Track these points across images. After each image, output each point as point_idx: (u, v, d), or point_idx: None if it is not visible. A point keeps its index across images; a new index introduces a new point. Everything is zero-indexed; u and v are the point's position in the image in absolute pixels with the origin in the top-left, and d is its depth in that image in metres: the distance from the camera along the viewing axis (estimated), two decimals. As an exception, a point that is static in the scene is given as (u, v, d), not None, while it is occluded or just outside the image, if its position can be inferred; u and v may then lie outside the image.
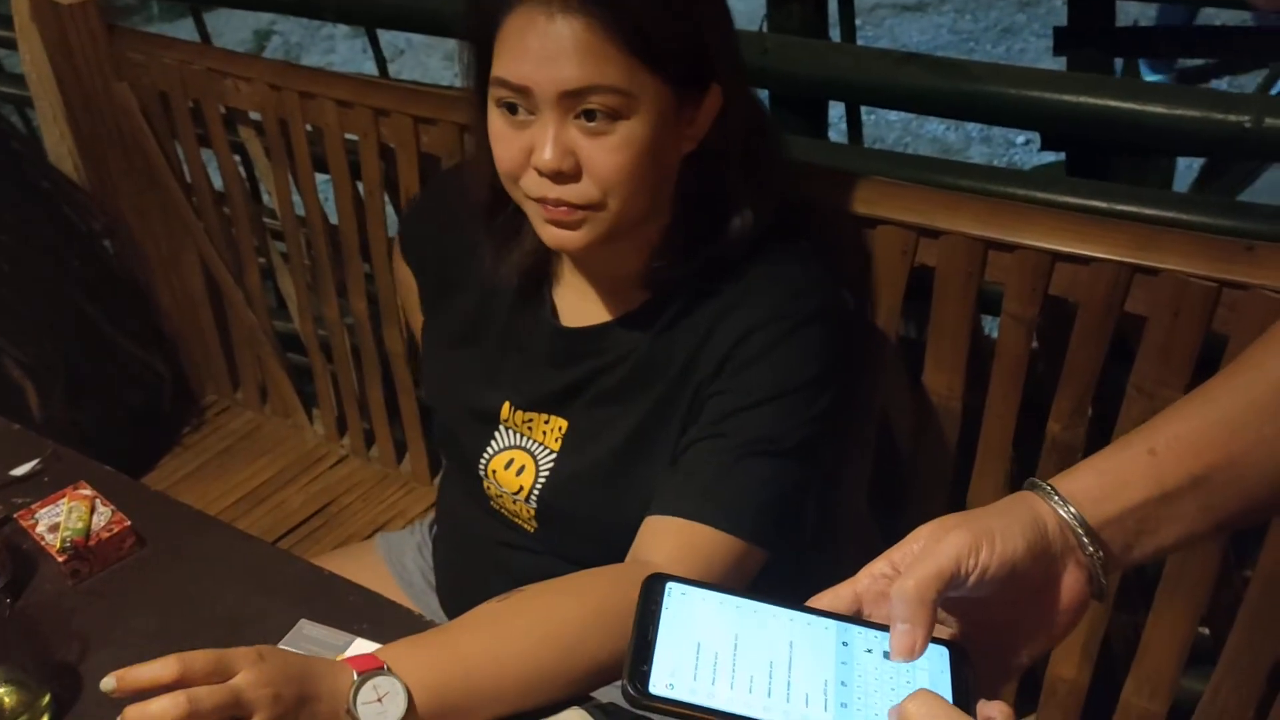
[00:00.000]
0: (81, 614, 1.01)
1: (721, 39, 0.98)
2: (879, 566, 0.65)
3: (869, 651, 0.62)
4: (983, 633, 0.66)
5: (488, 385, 1.14)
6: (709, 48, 0.96)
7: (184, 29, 4.09)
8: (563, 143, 0.91)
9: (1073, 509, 0.65)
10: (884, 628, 0.63)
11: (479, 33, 0.95)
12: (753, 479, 0.97)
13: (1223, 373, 0.69)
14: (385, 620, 0.99)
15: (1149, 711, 1.29)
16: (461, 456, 1.18)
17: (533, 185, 0.95)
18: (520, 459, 1.11)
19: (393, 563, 1.35)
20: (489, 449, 1.14)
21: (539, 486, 1.09)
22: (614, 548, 0.98)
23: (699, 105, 0.97)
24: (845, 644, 0.62)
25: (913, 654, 0.60)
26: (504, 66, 0.91)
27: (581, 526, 1.09)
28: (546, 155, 0.91)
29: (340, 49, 5.65)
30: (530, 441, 1.11)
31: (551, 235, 0.97)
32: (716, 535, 0.95)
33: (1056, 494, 0.65)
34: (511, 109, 0.93)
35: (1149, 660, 1.26)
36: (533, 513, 1.11)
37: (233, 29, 5.74)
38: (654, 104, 0.92)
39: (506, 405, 1.13)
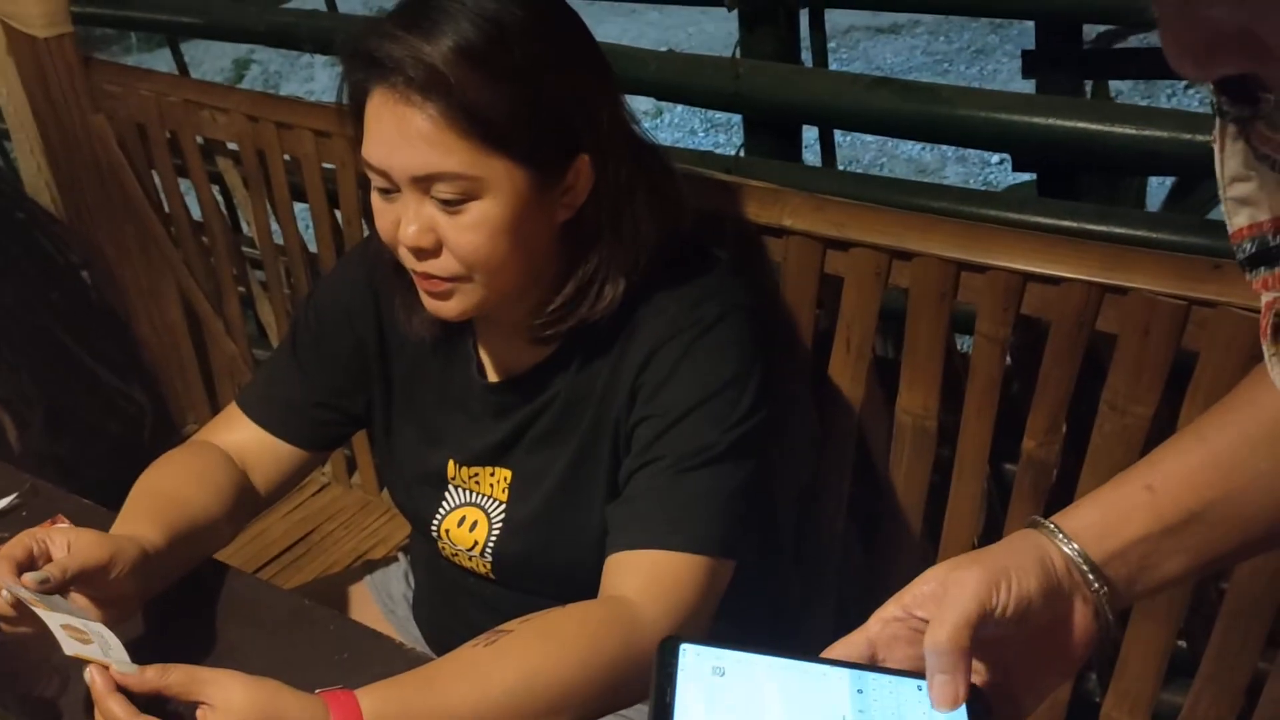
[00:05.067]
0: (60, 649, 1.01)
1: (583, 112, 0.96)
2: (890, 610, 0.65)
3: (884, 698, 0.63)
4: (997, 673, 0.67)
5: (430, 447, 1.15)
6: (566, 124, 0.95)
7: (163, 59, 4.09)
8: (423, 220, 0.94)
9: (1077, 546, 0.66)
10: (899, 673, 0.64)
11: (353, 105, 0.97)
12: (696, 493, 0.98)
13: (1215, 409, 0.70)
14: (367, 649, 0.99)
15: (1129, 726, 1.29)
16: (416, 519, 1.19)
17: (405, 257, 0.98)
18: (472, 515, 1.12)
19: (377, 590, 1.35)
20: (440, 509, 1.15)
21: (492, 539, 1.11)
22: (572, 585, 0.99)
23: (565, 177, 0.96)
24: (860, 691, 0.63)
25: (956, 702, 0.61)
26: (366, 147, 0.95)
27: (536, 571, 1.10)
28: (406, 233, 0.95)
29: (320, 77, 5.66)
30: (479, 496, 1.12)
31: (429, 304, 1.01)
32: (677, 557, 0.95)
33: (1060, 532, 0.66)
34: (381, 186, 0.96)
35: (1128, 674, 1.27)
36: (489, 567, 1.12)
37: (212, 58, 5.75)
38: (507, 184, 0.93)
39: (451, 463, 1.13)
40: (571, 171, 0.96)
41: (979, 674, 0.66)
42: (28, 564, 0.90)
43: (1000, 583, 0.62)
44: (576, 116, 0.96)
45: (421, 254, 0.96)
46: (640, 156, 1.03)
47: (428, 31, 0.90)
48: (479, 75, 0.89)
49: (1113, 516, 0.67)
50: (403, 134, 0.91)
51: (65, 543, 0.92)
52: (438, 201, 0.93)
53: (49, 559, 0.91)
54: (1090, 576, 0.65)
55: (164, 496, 1.06)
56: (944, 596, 0.63)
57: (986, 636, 0.63)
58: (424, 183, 0.92)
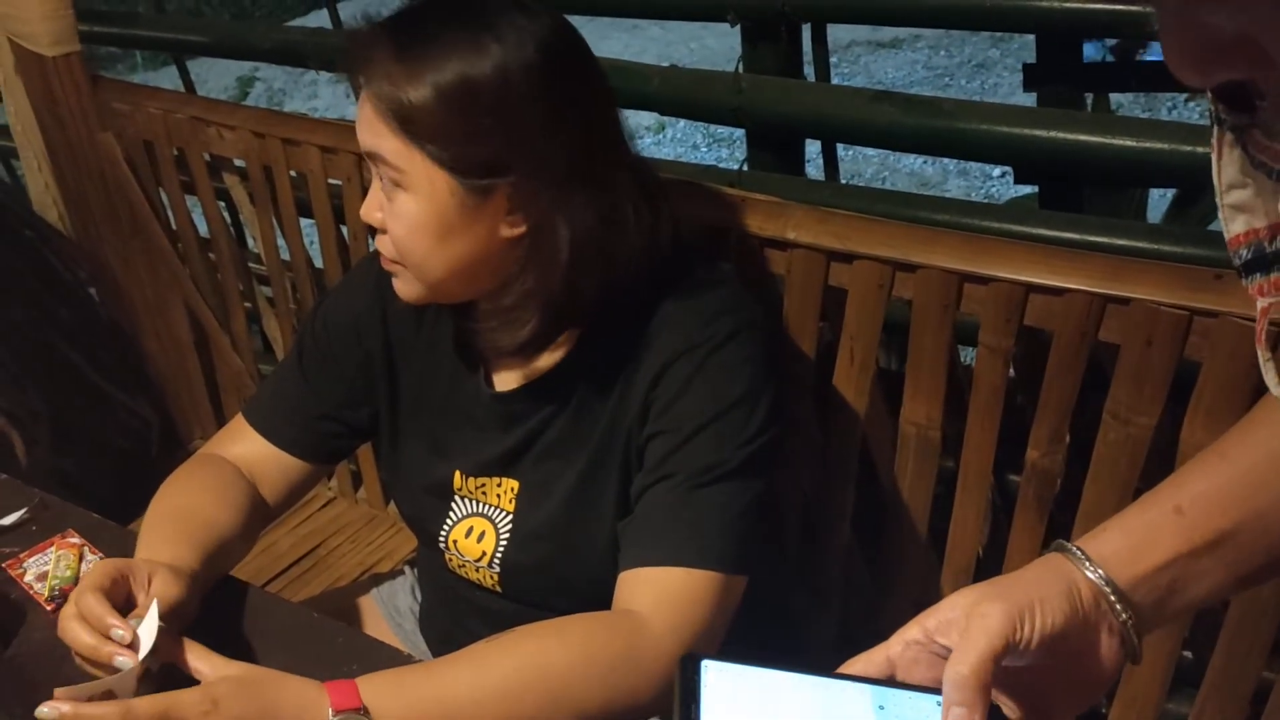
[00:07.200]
0: (71, 662, 1.01)
1: (516, 141, 0.95)
2: (912, 632, 0.65)
3: (907, 715, 0.63)
4: (1019, 699, 0.66)
5: (437, 457, 1.15)
6: (495, 147, 0.95)
7: (168, 76, 4.12)
8: (376, 199, 1.01)
9: (1103, 573, 0.65)
10: (920, 689, 0.64)
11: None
12: (707, 509, 0.98)
13: (1237, 429, 0.70)
14: (374, 661, 0.99)
15: (1135, 736, 1.29)
16: (423, 531, 1.19)
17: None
18: (480, 525, 1.13)
19: (384, 603, 1.35)
20: (448, 520, 1.15)
21: (500, 551, 1.11)
22: (579, 600, 0.99)
23: (492, 197, 0.96)
24: (882, 707, 0.63)
25: None
26: None
27: (543, 582, 1.11)
28: (362, 208, 1.02)
29: (323, 94, 5.70)
30: (486, 506, 1.13)
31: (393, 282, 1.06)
32: (688, 574, 0.96)
33: (1087, 558, 0.66)
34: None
35: (1133, 685, 1.27)
36: (496, 579, 1.12)
37: (216, 75, 5.78)
38: (428, 185, 0.96)
39: (457, 474, 1.14)
40: (498, 195, 0.96)
41: (1003, 700, 0.66)
42: (114, 591, 0.93)
43: (1025, 616, 0.62)
44: (506, 146, 0.95)
45: (373, 231, 1.03)
46: (607, 189, 0.99)
47: (396, 24, 0.96)
48: (413, 74, 0.93)
49: (1141, 540, 0.66)
50: (362, 112, 0.98)
51: (146, 575, 0.95)
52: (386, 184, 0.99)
53: (128, 587, 0.94)
54: (1118, 606, 0.65)
55: (194, 518, 1.07)
56: (966, 627, 0.62)
57: (1010, 665, 0.63)
58: (373, 160, 0.98)
